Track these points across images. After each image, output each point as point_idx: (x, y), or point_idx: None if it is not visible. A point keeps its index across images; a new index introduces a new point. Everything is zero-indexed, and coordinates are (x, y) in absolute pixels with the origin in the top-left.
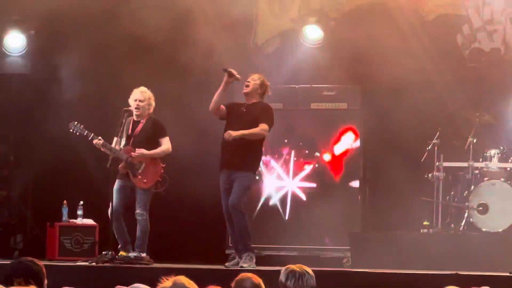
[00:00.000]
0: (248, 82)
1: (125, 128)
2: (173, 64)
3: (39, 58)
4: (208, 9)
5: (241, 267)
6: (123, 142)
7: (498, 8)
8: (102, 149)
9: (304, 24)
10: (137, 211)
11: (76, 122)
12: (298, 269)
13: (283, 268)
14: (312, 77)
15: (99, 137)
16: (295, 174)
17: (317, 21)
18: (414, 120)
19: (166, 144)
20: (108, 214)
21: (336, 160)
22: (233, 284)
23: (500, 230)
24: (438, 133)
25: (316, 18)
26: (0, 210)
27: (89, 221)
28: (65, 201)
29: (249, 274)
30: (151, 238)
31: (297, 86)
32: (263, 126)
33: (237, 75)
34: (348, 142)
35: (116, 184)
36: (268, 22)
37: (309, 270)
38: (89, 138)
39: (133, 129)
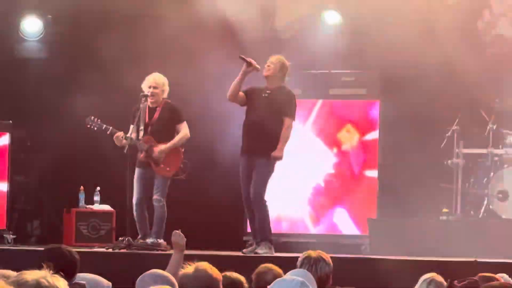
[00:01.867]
0: (269, 65)
1: (141, 115)
2: (188, 49)
3: (56, 43)
4: None
5: (256, 253)
6: (141, 131)
7: None
8: (122, 142)
9: (323, 9)
10: (155, 197)
11: (92, 117)
12: (314, 255)
13: (301, 254)
14: (330, 63)
15: (120, 132)
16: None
17: (336, 6)
18: (434, 106)
19: (184, 130)
20: (125, 199)
21: (355, 146)
22: (253, 276)
23: None
24: (457, 120)
25: (335, 3)
26: (17, 196)
27: (106, 207)
28: (82, 187)
29: (271, 266)
30: (168, 224)
31: (315, 72)
32: (288, 123)
33: (256, 65)
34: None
35: (136, 173)
36: (287, 7)
37: (327, 257)
38: (108, 132)
39: (150, 117)
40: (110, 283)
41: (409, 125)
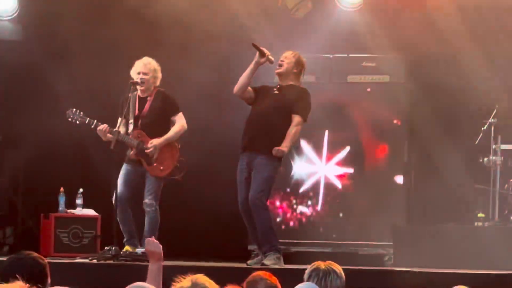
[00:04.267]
0: (282, 61)
1: (130, 106)
2: (186, 31)
3: (32, 23)
4: None
5: (263, 264)
6: (130, 124)
7: None
8: (108, 136)
9: None
10: (146, 200)
11: (74, 109)
12: (323, 267)
13: (309, 266)
14: (349, 46)
15: (104, 125)
16: (329, 158)
17: None
18: (468, 96)
19: (179, 122)
20: (112, 202)
21: (378, 141)
22: (244, 285)
23: None
24: (495, 111)
25: None
26: None
27: (90, 212)
28: (62, 189)
29: (263, 273)
30: (162, 231)
31: (331, 56)
32: (297, 120)
33: (270, 56)
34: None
35: (124, 168)
36: None
37: (338, 268)
38: (92, 126)
39: (140, 108)
40: None
41: (439, 117)
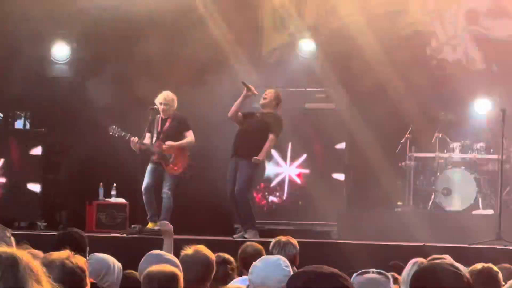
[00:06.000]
0: (266, 95)
1: (154, 124)
2: (195, 71)
3: (80, 65)
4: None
5: (244, 237)
6: (154, 138)
7: (460, 26)
8: (137, 146)
9: (300, 38)
10: (164, 190)
11: (114, 126)
12: (283, 240)
13: (273, 239)
14: (306, 82)
15: (135, 137)
16: (292, 161)
17: (311, 36)
18: (391, 117)
19: (190, 137)
20: (136, 193)
21: (326, 150)
22: (239, 251)
23: (460, 209)
24: (410, 129)
25: (309, 33)
26: (48, 191)
27: (121, 200)
28: (101, 183)
29: (252, 243)
30: (173, 214)
31: (294, 89)
32: (272, 138)
33: (254, 90)
34: None
35: (149, 166)
36: (270, 35)
37: (294, 241)
38: (126, 138)
39: (162, 126)
40: (119, 264)
41: (371, 133)
